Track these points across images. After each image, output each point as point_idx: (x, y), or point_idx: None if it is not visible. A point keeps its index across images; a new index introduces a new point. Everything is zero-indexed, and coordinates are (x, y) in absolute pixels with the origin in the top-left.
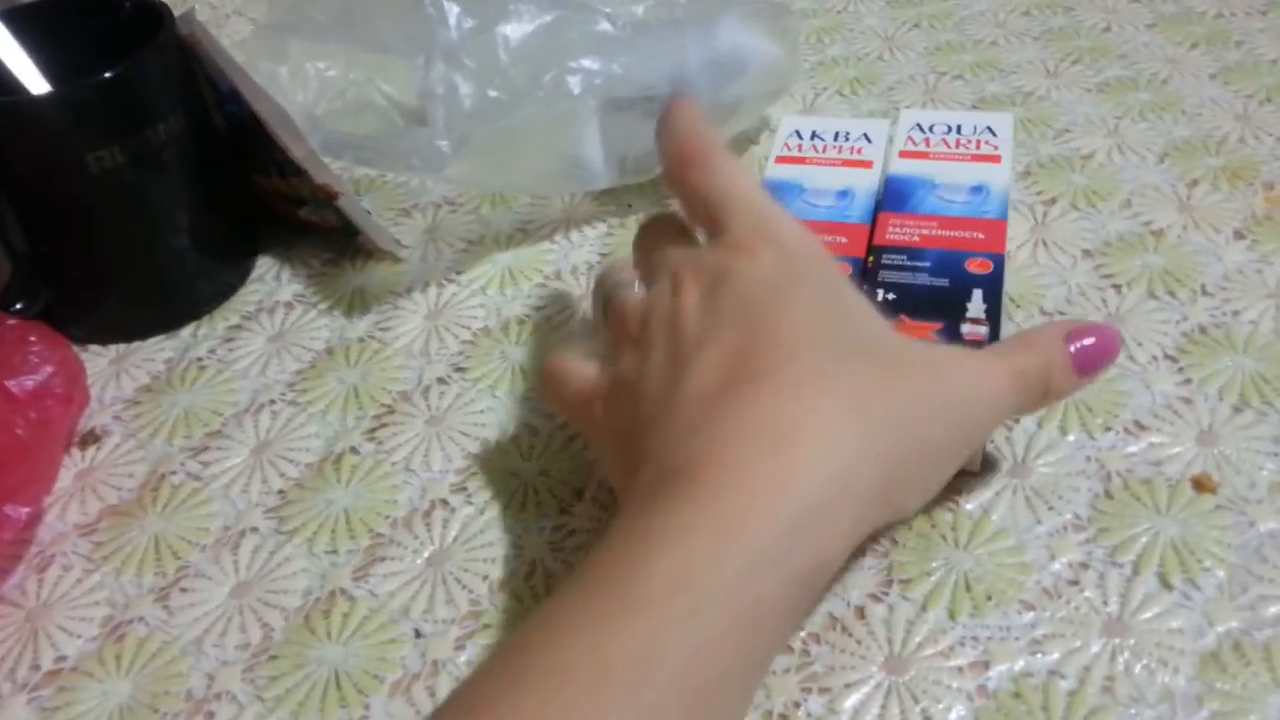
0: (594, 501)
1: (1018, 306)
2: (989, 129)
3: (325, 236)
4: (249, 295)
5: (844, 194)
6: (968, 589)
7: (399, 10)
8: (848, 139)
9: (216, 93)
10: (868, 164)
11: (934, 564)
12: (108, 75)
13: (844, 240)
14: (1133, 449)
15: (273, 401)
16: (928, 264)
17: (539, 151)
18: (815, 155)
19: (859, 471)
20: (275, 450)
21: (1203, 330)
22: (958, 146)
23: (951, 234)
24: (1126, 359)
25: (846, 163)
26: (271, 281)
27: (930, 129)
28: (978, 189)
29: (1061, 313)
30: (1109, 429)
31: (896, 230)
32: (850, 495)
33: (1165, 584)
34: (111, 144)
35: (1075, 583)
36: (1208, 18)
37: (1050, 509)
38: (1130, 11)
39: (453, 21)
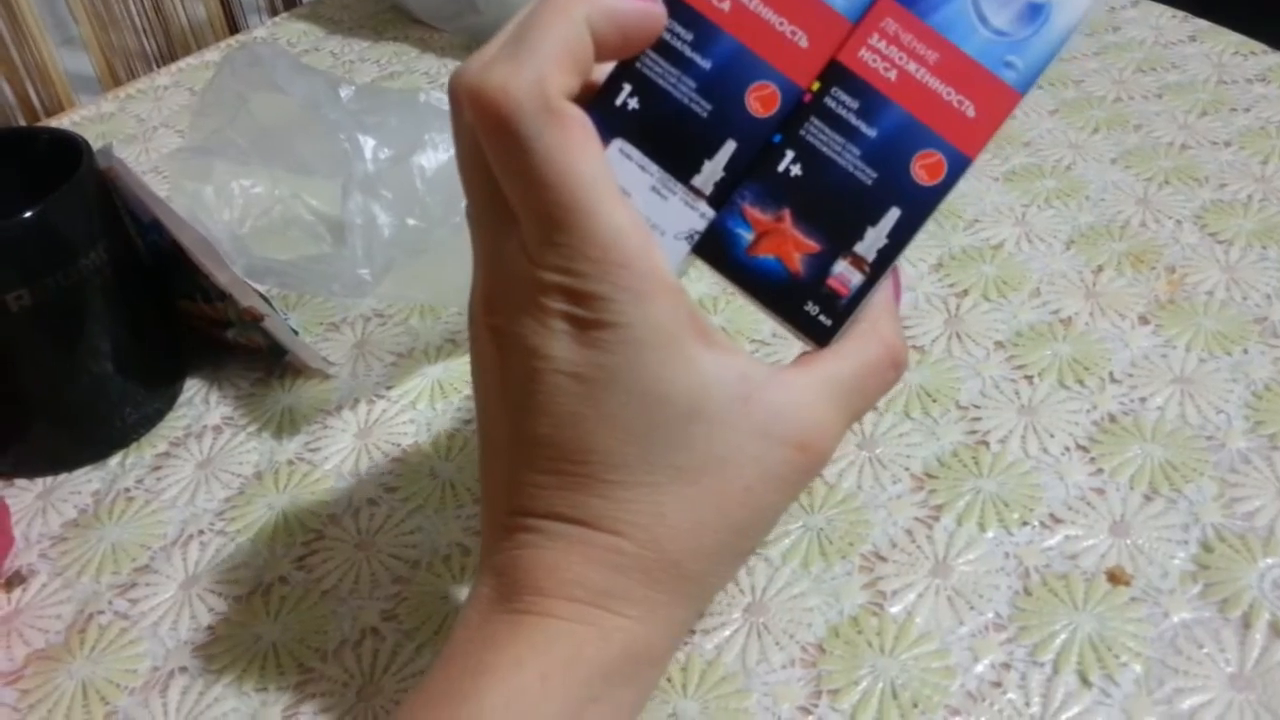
0: None
1: (934, 401)
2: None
3: (253, 356)
4: (177, 420)
5: (1035, 10)
6: (894, 696)
7: (316, 136)
8: None
9: (138, 223)
10: None
11: (861, 672)
12: (26, 215)
13: (799, 38)
14: (1049, 543)
15: (202, 532)
16: (873, 135)
17: (461, 267)
18: None
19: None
20: (204, 584)
21: (1112, 419)
22: None
23: (939, 87)
24: (1040, 451)
25: None
26: (200, 405)
27: None
28: (1035, 12)
29: (977, 406)
30: (1025, 523)
31: (879, 48)
32: (678, 625)
33: (1084, 681)
34: (32, 282)
35: (998, 684)
36: (1107, 102)
37: (972, 609)
38: (1032, 98)
39: (368, 154)
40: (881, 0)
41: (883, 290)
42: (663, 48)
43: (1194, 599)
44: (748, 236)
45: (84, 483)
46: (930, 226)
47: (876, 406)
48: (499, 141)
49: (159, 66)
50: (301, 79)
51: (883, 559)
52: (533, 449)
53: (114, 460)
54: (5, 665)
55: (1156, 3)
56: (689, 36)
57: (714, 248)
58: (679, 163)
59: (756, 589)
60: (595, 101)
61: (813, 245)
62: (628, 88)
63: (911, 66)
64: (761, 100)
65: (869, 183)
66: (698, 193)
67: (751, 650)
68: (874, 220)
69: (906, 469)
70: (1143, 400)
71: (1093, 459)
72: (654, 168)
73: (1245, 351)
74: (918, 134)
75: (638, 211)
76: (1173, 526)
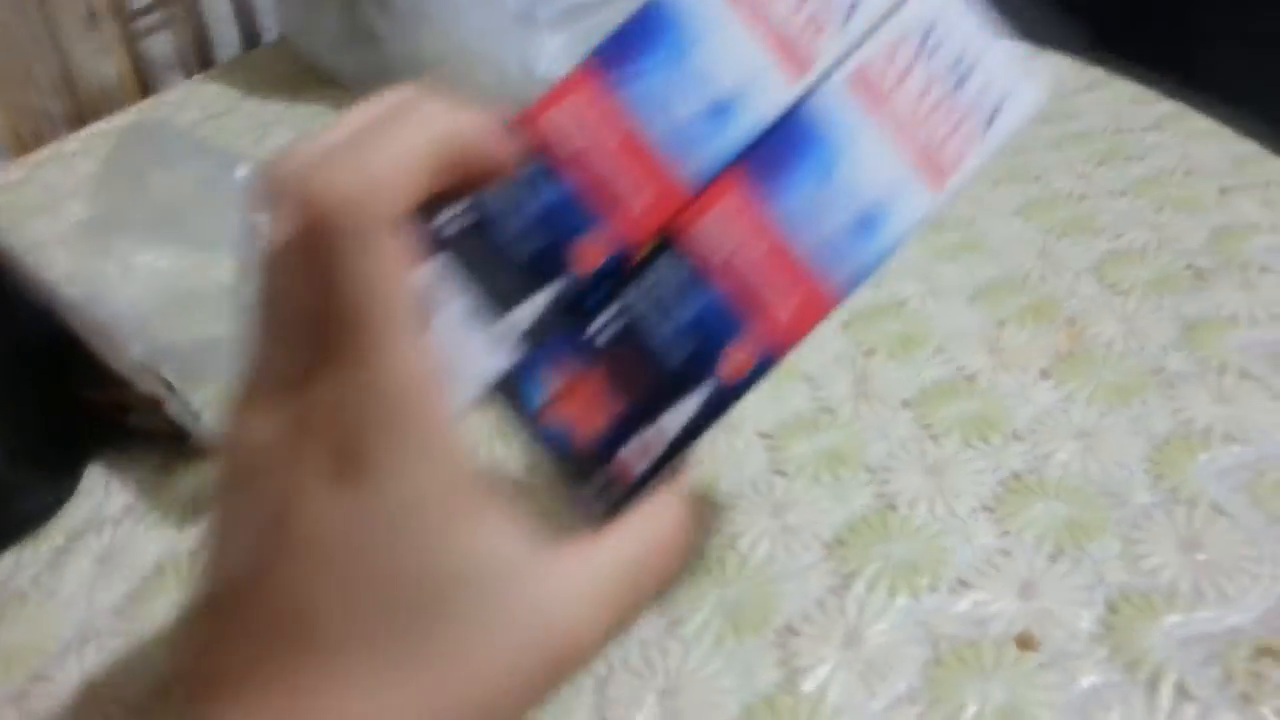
0: None
1: (843, 464)
2: (994, 109)
3: (155, 441)
4: (76, 510)
5: (722, 108)
6: None
7: (217, 211)
8: None
9: (29, 308)
10: (805, 66)
11: None
12: None
13: (635, 200)
14: (959, 608)
15: (100, 634)
16: (689, 316)
17: None
18: None
19: None
20: (102, 692)
21: (1016, 477)
22: (927, 119)
23: (763, 281)
24: (947, 513)
25: (782, 43)
26: (100, 494)
27: (933, 52)
28: (866, 222)
29: (886, 468)
30: (934, 589)
31: (714, 227)
32: None
33: None
34: None
35: None
36: (1008, 153)
37: (884, 680)
38: None
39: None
40: (725, 177)
41: (666, 485)
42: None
43: (1102, 662)
44: (543, 395)
45: None
46: None
47: (785, 471)
48: (309, 242)
49: (68, 131)
50: (196, 158)
51: (795, 633)
52: (249, 607)
53: (8, 558)
54: None
55: (1056, 53)
56: (528, 172)
57: (509, 397)
58: (495, 297)
59: (670, 670)
60: (427, 209)
61: (606, 420)
62: (460, 207)
63: (741, 252)
64: (586, 254)
65: (675, 364)
66: (505, 333)
67: None
68: (672, 404)
69: (816, 536)
70: (1046, 457)
71: (998, 519)
72: (467, 298)
73: (1144, 403)
74: (733, 325)
75: (437, 347)
76: (1078, 587)
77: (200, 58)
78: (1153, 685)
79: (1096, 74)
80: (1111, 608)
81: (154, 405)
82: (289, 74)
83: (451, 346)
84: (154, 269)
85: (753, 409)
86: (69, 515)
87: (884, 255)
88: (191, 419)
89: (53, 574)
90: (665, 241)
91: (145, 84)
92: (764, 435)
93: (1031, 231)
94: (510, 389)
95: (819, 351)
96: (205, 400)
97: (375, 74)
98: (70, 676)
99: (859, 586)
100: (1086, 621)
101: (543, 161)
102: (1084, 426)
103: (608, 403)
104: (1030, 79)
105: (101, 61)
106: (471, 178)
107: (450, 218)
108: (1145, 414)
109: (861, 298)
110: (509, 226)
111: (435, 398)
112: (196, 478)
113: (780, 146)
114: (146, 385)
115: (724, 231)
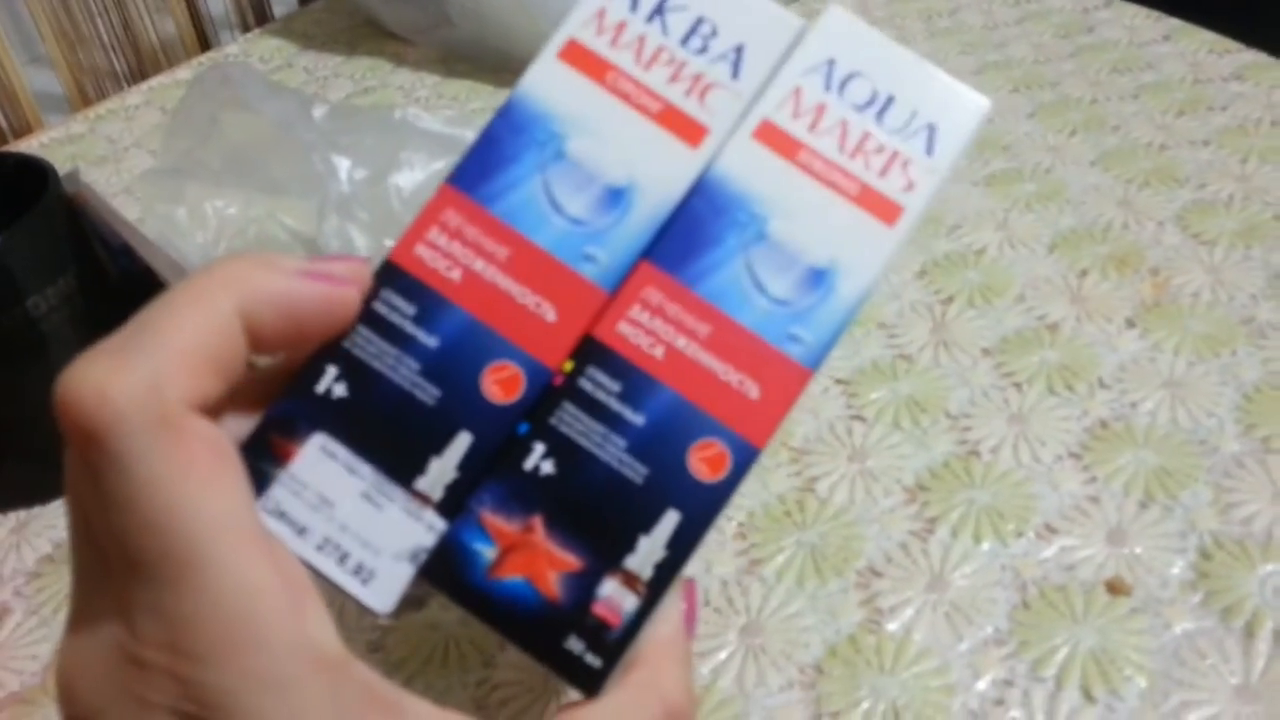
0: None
1: (923, 410)
2: (929, 128)
3: None
4: None
5: (617, 196)
6: (896, 716)
7: (289, 156)
8: (707, 42)
9: (108, 248)
10: (699, 132)
11: (860, 693)
12: None
13: (544, 310)
14: (1046, 554)
15: None
16: (640, 423)
17: None
18: (631, 67)
19: None
20: None
21: (1103, 425)
22: (855, 155)
23: (714, 365)
24: (1032, 459)
25: (665, 114)
26: None
27: (841, 87)
28: (818, 278)
29: (967, 415)
30: (1021, 535)
31: (640, 321)
32: None
33: (1088, 696)
34: (0, 312)
35: (1001, 702)
36: (1084, 104)
37: (970, 624)
38: (1010, 102)
39: (343, 175)
40: (641, 267)
41: (667, 619)
42: (377, 323)
43: (1195, 608)
44: (488, 553)
45: (58, 516)
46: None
47: (863, 417)
48: (88, 460)
49: (129, 85)
50: (273, 98)
51: (878, 574)
52: None
53: None
54: None
55: (1129, 3)
56: (411, 310)
57: (446, 569)
58: (398, 462)
59: (751, 609)
60: (293, 387)
61: (572, 562)
62: (333, 371)
63: (680, 342)
64: (501, 384)
65: (639, 481)
66: (423, 499)
67: (749, 673)
68: (647, 527)
69: (898, 481)
70: (1133, 405)
71: (1085, 467)
72: (366, 469)
73: (1234, 353)
74: (693, 420)
75: (305, 551)
76: (1169, 534)
77: (256, 13)
78: (1249, 633)
79: (1173, 23)
80: (1205, 554)
81: None
82: (345, 27)
83: (361, 527)
84: (224, 215)
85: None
86: None
87: (847, 315)
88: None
89: None
90: (592, 348)
91: (204, 39)
92: (841, 382)
93: (1110, 181)
94: (447, 561)
95: (894, 300)
96: None
97: (432, 25)
98: None
99: (943, 531)
100: (1179, 568)
101: (426, 296)
102: (1172, 376)
103: (570, 542)
104: (959, 91)
105: (161, 18)
106: (308, 335)
107: (330, 379)
108: (1234, 364)
109: (938, 246)
110: (403, 373)
111: (301, 607)
112: None
113: (692, 224)
114: None
115: (655, 324)
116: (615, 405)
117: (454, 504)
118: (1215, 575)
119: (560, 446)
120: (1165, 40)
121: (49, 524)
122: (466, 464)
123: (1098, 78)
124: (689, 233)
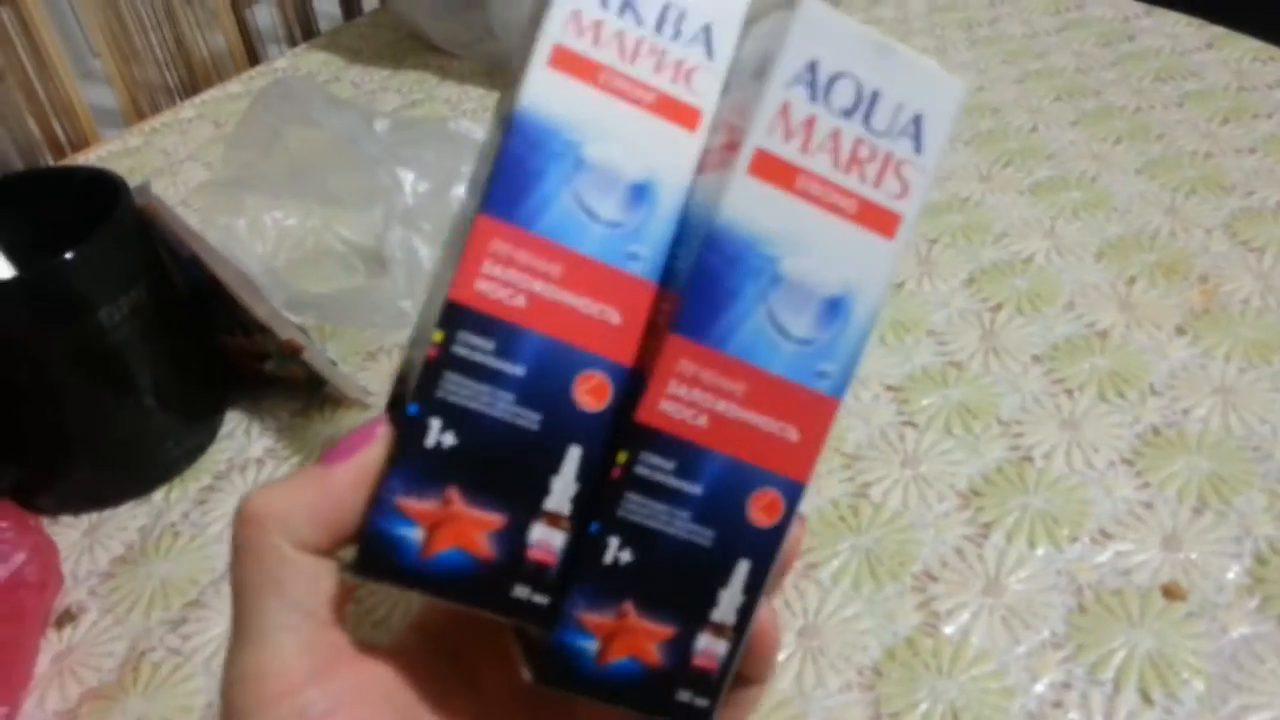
0: None
1: (974, 417)
2: (915, 120)
3: (292, 388)
4: (219, 453)
5: (641, 191)
6: (955, 718)
7: (348, 166)
8: (679, 27)
9: (176, 258)
10: (693, 115)
11: (919, 694)
12: (67, 256)
13: (609, 316)
14: (1101, 559)
15: None
16: (699, 493)
17: None
18: (618, 64)
19: None
20: None
21: (1156, 431)
22: (849, 169)
23: (756, 420)
24: (1085, 465)
25: (661, 103)
26: (241, 437)
27: (827, 92)
28: (834, 307)
29: (1019, 421)
30: (1075, 540)
31: (679, 395)
32: None
33: (1146, 699)
34: (73, 321)
35: (1059, 704)
36: (1128, 112)
37: (1027, 627)
38: (1054, 110)
39: (408, 188)
40: (671, 341)
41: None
42: (463, 366)
43: (1252, 613)
44: (593, 647)
45: (129, 519)
46: (959, 242)
47: (915, 423)
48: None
49: (181, 99)
50: (336, 112)
51: (934, 579)
52: None
53: (158, 495)
54: (59, 705)
55: (1171, 10)
56: (489, 345)
57: (560, 669)
58: (522, 490)
59: (809, 611)
60: (404, 453)
61: (666, 631)
62: (437, 424)
63: (720, 406)
64: (592, 392)
65: (708, 544)
66: (555, 518)
67: (808, 675)
68: (724, 581)
69: (952, 486)
70: (1185, 412)
71: (1139, 473)
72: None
73: None
74: (746, 476)
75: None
76: (1224, 539)
77: (303, 27)
78: None
79: (1216, 31)
80: (1260, 560)
81: (292, 352)
82: (390, 41)
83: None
84: (283, 226)
85: (878, 364)
86: (213, 458)
87: (868, 327)
88: (328, 366)
89: (201, 511)
90: (640, 433)
91: (253, 53)
92: (891, 388)
93: (1157, 189)
94: (559, 663)
95: (943, 307)
96: (340, 350)
97: (475, 39)
98: (224, 603)
99: (998, 536)
100: (1234, 573)
101: (500, 328)
102: (1224, 383)
103: (661, 615)
104: (938, 75)
105: (211, 33)
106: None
107: (436, 432)
108: None
109: (985, 254)
110: (501, 406)
111: (308, 689)
112: (333, 422)
113: (709, 281)
114: (286, 332)
115: (694, 395)
116: (673, 482)
117: (582, 514)
118: (1272, 580)
119: (632, 535)
120: (1208, 48)
121: (120, 526)
122: (583, 474)
123: (1140, 86)
124: (708, 292)
